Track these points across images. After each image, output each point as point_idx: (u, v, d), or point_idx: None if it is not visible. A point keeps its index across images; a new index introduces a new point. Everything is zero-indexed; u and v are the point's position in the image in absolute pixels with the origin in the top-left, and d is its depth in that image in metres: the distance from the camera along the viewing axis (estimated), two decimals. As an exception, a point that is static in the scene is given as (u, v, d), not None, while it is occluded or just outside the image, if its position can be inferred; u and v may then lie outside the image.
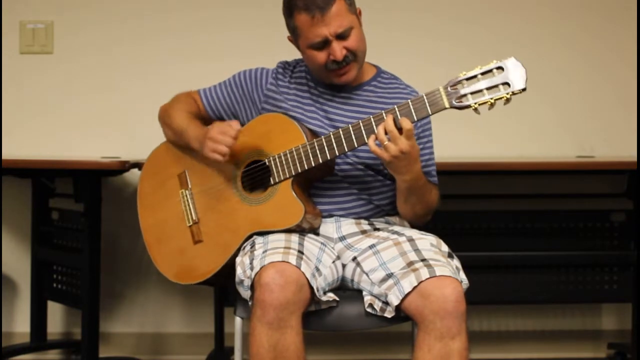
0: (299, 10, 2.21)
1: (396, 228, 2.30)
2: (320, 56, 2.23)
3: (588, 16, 3.59)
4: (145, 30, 3.55)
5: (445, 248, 2.21)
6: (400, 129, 2.07)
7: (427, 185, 2.24)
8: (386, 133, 2.09)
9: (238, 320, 2.21)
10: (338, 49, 2.21)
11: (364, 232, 2.28)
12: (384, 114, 2.12)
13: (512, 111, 3.49)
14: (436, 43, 3.52)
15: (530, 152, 3.53)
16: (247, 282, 2.09)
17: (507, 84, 2.04)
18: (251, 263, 2.10)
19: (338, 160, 2.28)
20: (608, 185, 3.48)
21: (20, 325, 3.53)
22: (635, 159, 3.18)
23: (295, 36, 2.28)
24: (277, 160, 2.24)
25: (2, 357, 3.27)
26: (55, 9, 3.56)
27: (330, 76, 2.27)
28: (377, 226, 2.31)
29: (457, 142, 3.44)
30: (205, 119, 2.46)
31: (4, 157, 3.10)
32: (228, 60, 3.44)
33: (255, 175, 2.28)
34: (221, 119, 2.44)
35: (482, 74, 2.05)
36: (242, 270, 2.12)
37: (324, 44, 2.22)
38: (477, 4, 3.57)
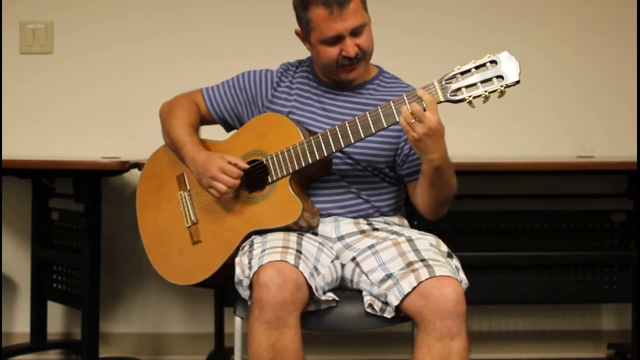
0: (316, 4, 2.20)
1: (395, 228, 2.29)
2: (332, 51, 2.23)
3: (588, 16, 3.58)
4: (145, 29, 3.55)
5: (444, 248, 2.20)
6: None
7: (452, 167, 2.21)
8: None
9: (238, 320, 2.21)
10: (351, 46, 2.21)
11: (362, 232, 2.28)
12: (379, 109, 2.12)
13: (512, 111, 3.53)
14: (435, 41, 3.52)
15: (530, 152, 3.53)
16: (246, 282, 2.09)
17: (500, 76, 2.04)
18: (250, 263, 2.10)
19: (337, 160, 2.28)
20: (608, 185, 3.48)
21: (20, 325, 3.53)
22: (635, 159, 3.18)
23: (307, 29, 2.26)
24: (274, 158, 2.24)
25: (2, 357, 3.27)
26: (55, 9, 3.56)
27: (339, 72, 2.27)
28: (376, 226, 2.30)
29: (457, 142, 3.39)
30: (208, 121, 2.46)
31: (4, 157, 3.10)
32: (230, 59, 3.45)
33: (253, 175, 2.28)
34: (224, 121, 2.44)
35: (476, 67, 2.06)
36: (241, 270, 2.12)
37: (337, 40, 2.22)
38: (477, 1, 3.57)
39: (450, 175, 2.20)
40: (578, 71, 3.58)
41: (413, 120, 2.05)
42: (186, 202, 2.38)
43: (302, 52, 2.38)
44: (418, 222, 2.83)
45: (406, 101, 2.09)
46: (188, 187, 2.40)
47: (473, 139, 3.51)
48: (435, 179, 2.17)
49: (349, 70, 2.26)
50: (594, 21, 3.58)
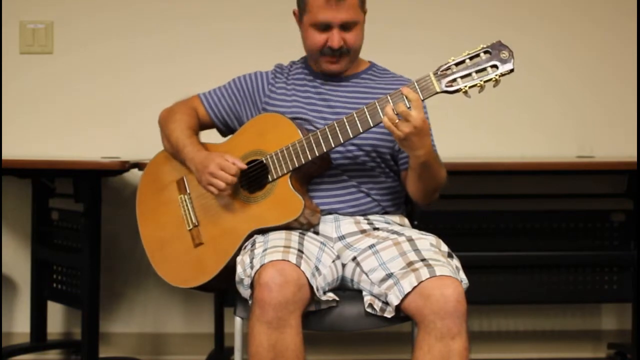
0: None
1: (396, 228, 2.30)
2: (319, 38, 2.29)
3: (589, 15, 3.58)
4: (146, 31, 3.55)
5: (445, 248, 2.21)
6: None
7: (438, 159, 2.26)
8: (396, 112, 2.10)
9: (238, 320, 2.21)
10: (337, 38, 2.27)
11: (363, 231, 2.28)
12: (376, 103, 2.15)
13: (512, 112, 3.53)
14: (436, 36, 3.51)
15: (530, 151, 3.53)
16: (247, 281, 2.09)
17: (495, 66, 2.08)
18: (251, 262, 2.10)
19: (337, 155, 2.29)
20: (608, 185, 3.48)
21: (20, 325, 3.53)
22: (635, 159, 3.18)
23: (303, 9, 2.32)
24: (273, 157, 2.25)
25: (2, 357, 3.27)
26: (55, 9, 3.56)
27: (321, 61, 2.32)
28: (377, 226, 2.31)
29: (457, 141, 3.44)
30: (207, 125, 2.47)
31: (4, 157, 3.10)
32: (231, 55, 3.46)
33: (253, 175, 2.29)
34: (224, 122, 2.45)
35: (470, 58, 2.10)
36: (242, 269, 2.12)
37: (326, 28, 2.27)
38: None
39: (438, 168, 2.24)
40: (578, 71, 3.58)
41: (397, 120, 2.08)
42: (187, 205, 2.39)
43: (299, 48, 2.39)
44: (418, 222, 2.83)
45: (390, 101, 2.12)
46: (188, 191, 2.40)
47: (473, 139, 3.51)
48: (422, 173, 2.22)
49: (330, 62, 2.31)
50: (595, 20, 3.58)
